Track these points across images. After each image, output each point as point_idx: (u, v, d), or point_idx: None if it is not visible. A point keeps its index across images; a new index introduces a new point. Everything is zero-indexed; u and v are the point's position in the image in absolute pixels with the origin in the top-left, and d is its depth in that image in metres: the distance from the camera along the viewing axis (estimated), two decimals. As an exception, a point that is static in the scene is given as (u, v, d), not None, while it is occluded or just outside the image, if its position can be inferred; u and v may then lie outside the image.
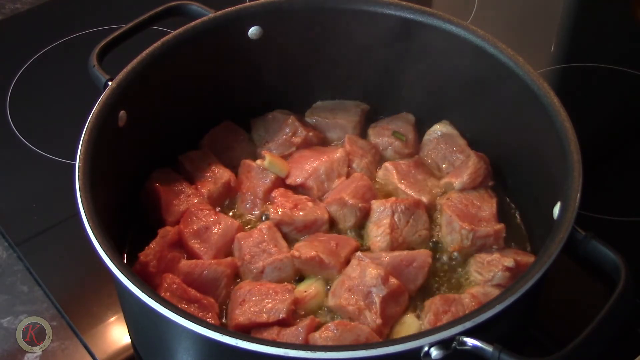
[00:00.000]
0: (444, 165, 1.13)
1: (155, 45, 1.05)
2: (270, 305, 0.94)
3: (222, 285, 0.98)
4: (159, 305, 0.78)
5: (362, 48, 1.15)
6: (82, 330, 1.05)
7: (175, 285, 0.95)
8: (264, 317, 0.93)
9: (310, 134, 1.15)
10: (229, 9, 1.10)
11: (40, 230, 1.17)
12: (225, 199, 1.10)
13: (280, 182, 1.10)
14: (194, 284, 0.97)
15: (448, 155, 1.13)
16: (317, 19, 1.12)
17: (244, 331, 0.93)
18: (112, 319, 1.06)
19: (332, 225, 1.07)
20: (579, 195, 0.87)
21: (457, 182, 1.08)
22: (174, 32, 1.07)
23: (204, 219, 1.04)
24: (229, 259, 1.02)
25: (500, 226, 1.03)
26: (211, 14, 1.10)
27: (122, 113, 1.00)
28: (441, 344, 0.76)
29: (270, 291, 0.96)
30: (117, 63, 1.03)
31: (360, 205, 1.06)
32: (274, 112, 1.18)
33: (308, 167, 1.10)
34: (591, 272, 1.04)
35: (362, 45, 1.14)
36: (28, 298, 1.09)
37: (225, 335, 0.76)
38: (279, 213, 1.04)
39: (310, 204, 1.07)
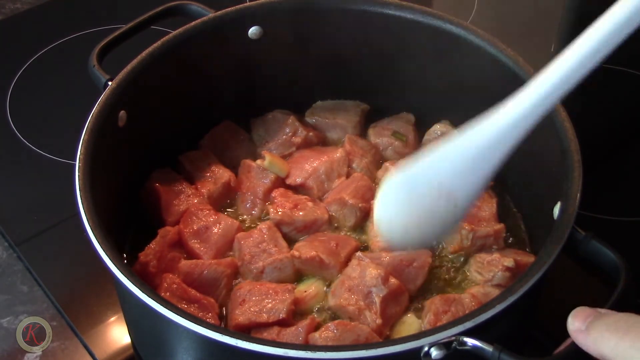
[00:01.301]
0: None
1: (155, 45, 1.05)
2: (270, 305, 0.94)
3: (222, 285, 0.98)
4: (159, 305, 0.78)
5: (362, 48, 1.15)
6: (82, 330, 1.05)
7: (175, 285, 0.95)
8: (264, 317, 0.93)
9: (311, 134, 1.15)
10: (229, 9, 1.10)
11: (40, 230, 1.17)
12: (225, 199, 1.10)
13: (280, 182, 1.10)
14: (194, 284, 0.97)
15: None
16: (317, 19, 1.12)
17: (244, 331, 0.93)
18: (112, 319, 1.06)
19: (332, 225, 1.07)
20: (579, 195, 0.87)
21: None
22: (174, 32, 1.07)
23: (203, 219, 1.04)
24: (228, 259, 1.02)
25: (500, 226, 1.03)
26: (211, 14, 1.10)
27: (122, 113, 1.00)
28: (441, 344, 0.76)
29: (270, 291, 0.96)
30: (117, 63, 1.03)
31: (360, 205, 1.06)
32: (274, 112, 1.18)
33: (308, 167, 1.10)
34: (591, 272, 1.04)
35: (362, 45, 1.14)
36: (28, 298, 1.09)
37: (225, 335, 0.76)
38: (279, 213, 1.04)
39: (310, 204, 1.07)
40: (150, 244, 0.99)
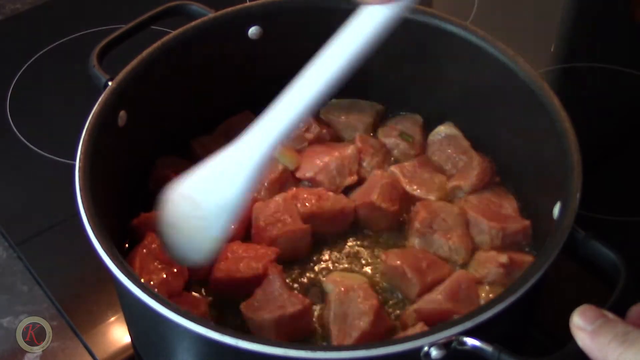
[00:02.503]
0: (447, 167, 1.12)
1: (155, 45, 1.04)
2: (249, 262, 0.97)
3: None
4: (158, 305, 0.78)
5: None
6: (82, 330, 1.05)
7: (154, 245, 0.97)
8: (239, 273, 0.96)
9: (324, 131, 1.15)
10: (229, 9, 1.10)
11: (40, 230, 1.17)
12: None
13: (288, 175, 1.10)
14: None
15: (451, 157, 1.12)
16: (316, 20, 1.12)
17: (222, 285, 0.97)
18: (112, 319, 1.06)
19: (360, 227, 1.07)
20: (578, 195, 0.87)
21: (465, 184, 1.08)
22: (174, 32, 1.07)
23: None
24: None
25: (527, 222, 1.02)
26: (211, 14, 1.10)
27: (122, 113, 1.00)
28: (441, 344, 0.76)
29: (253, 252, 0.98)
30: (117, 63, 1.03)
31: (392, 209, 1.05)
32: None
33: (319, 162, 1.10)
34: (591, 272, 1.04)
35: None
36: (28, 298, 1.09)
37: (225, 335, 0.76)
38: (307, 206, 1.04)
39: (331, 194, 1.06)
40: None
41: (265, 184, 1.08)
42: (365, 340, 0.90)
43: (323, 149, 1.13)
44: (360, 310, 0.92)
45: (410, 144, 1.15)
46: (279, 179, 1.08)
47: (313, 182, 1.10)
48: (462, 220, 1.04)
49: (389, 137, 1.16)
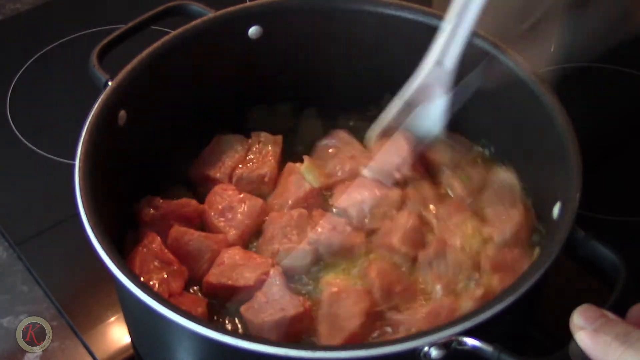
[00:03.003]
0: (490, 215, 1.03)
1: (155, 45, 1.05)
2: (242, 271, 0.96)
3: (205, 259, 0.99)
4: (158, 304, 0.78)
5: (362, 48, 1.15)
6: (82, 330, 1.05)
7: (154, 245, 0.97)
8: (231, 281, 0.95)
9: (413, 173, 1.07)
10: (229, 8, 1.10)
11: (40, 230, 1.17)
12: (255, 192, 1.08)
13: (315, 197, 1.06)
14: (180, 251, 0.98)
15: (498, 208, 1.03)
16: (317, 19, 1.12)
17: (212, 290, 0.96)
18: (112, 319, 1.06)
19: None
20: (578, 195, 0.87)
21: (498, 236, 0.99)
22: (174, 32, 1.07)
23: (228, 199, 1.04)
24: (220, 235, 1.01)
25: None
26: (211, 14, 1.10)
27: (122, 113, 1.00)
28: (441, 344, 0.76)
29: (250, 260, 0.97)
30: (117, 63, 1.03)
31: (411, 254, 0.99)
32: (340, 132, 1.13)
33: (355, 196, 1.04)
34: (591, 272, 1.04)
35: (362, 45, 1.14)
36: (28, 298, 1.09)
37: (226, 335, 0.76)
38: (319, 232, 1.00)
39: (348, 228, 1.01)
40: (165, 201, 1.02)
41: (290, 201, 1.05)
42: (353, 342, 0.89)
43: (372, 183, 1.05)
44: (351, 312, 0.91)
45: (466, 185, 1.06)
46: (304, 197, 1.04)
47: (343, 213, 1.04)
48: (465, 271, 0.97)
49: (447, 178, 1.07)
